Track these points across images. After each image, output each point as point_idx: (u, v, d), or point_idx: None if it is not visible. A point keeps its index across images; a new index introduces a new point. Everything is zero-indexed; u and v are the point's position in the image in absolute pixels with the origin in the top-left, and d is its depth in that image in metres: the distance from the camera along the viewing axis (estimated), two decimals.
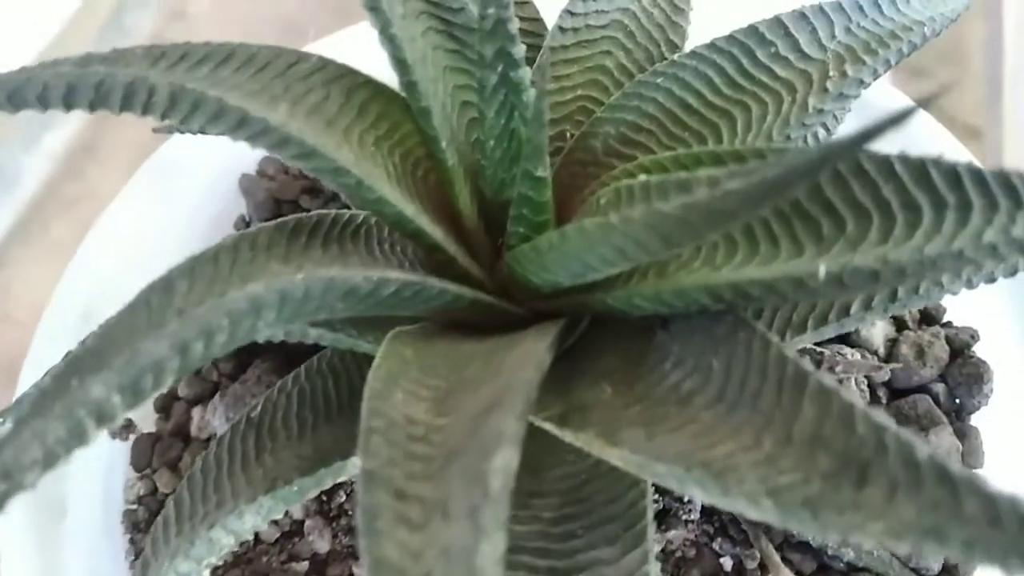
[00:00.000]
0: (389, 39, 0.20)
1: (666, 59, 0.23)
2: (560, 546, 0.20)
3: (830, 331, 0.20)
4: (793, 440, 0.15)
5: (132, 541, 0.28)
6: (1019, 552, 0.13)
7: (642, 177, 0.17)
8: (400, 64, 0.20)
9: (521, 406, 0.16)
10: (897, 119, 0.12)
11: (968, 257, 0.16)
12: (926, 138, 0.29)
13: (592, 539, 0.20)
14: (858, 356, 0.25)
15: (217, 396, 0.28)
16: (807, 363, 0.16)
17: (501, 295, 0.22)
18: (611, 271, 0.17)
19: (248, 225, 0.33)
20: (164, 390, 0.17)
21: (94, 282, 0.30)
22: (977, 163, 0.18)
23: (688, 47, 0.23)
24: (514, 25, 0.19)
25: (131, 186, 0.33)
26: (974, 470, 0.26)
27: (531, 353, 0.18)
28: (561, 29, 0.24)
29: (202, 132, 0.20)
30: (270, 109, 0.19)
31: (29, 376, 0.28)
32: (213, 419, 0.28)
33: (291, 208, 0.33)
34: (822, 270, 0.16)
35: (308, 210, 0.32)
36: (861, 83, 0.20)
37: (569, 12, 0.24)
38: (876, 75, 0.21)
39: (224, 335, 0.17)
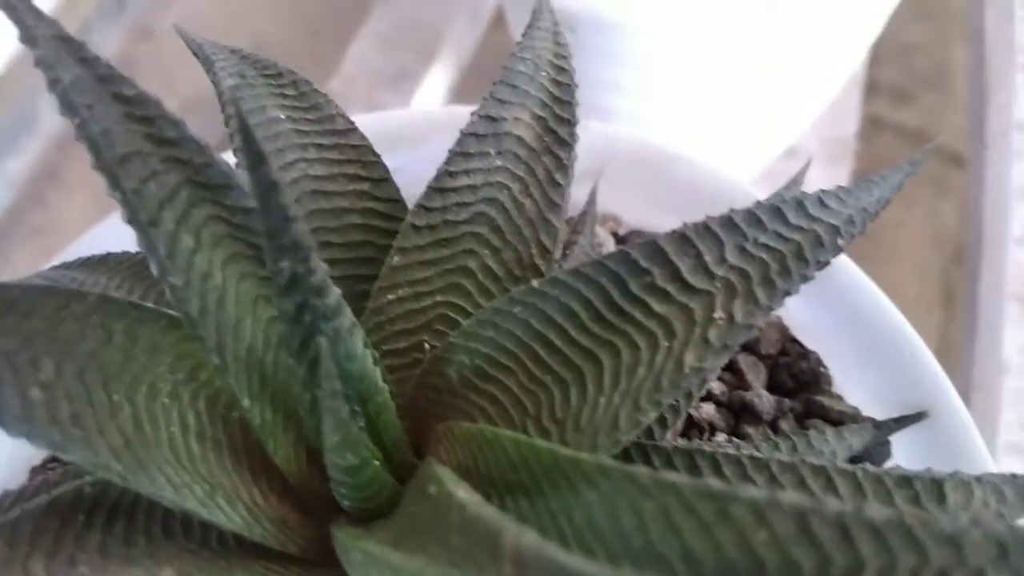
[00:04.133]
0: (170, 289, 0.16)
1: (535, 263, 0.20)
2: None
3: None
4: None
5: None
6: None
7: (460, 494, 0.14)
8: (186, 317, 0.16)
9: None
10: None
11: None
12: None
13: None
14: None
15: None
16: None
17: (329, 559, 0.18)
18: None
19: None
20: None
21: None
22: None
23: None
24: (319, 274, 0.15)
25: None
26: None
27: None
28: (415, 227, 0.20)
29: None
30: (25, 380, 0.16)
31: None
32: None
33: None
34: None
35: None
36: (751, 328, 0.17)
37: (423, 207, 0.20)
38: (771, 311, 0.17)
39: None
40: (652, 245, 0.17)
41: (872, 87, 0.73)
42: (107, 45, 0.87)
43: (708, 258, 0.17)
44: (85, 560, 0.16)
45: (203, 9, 0.93)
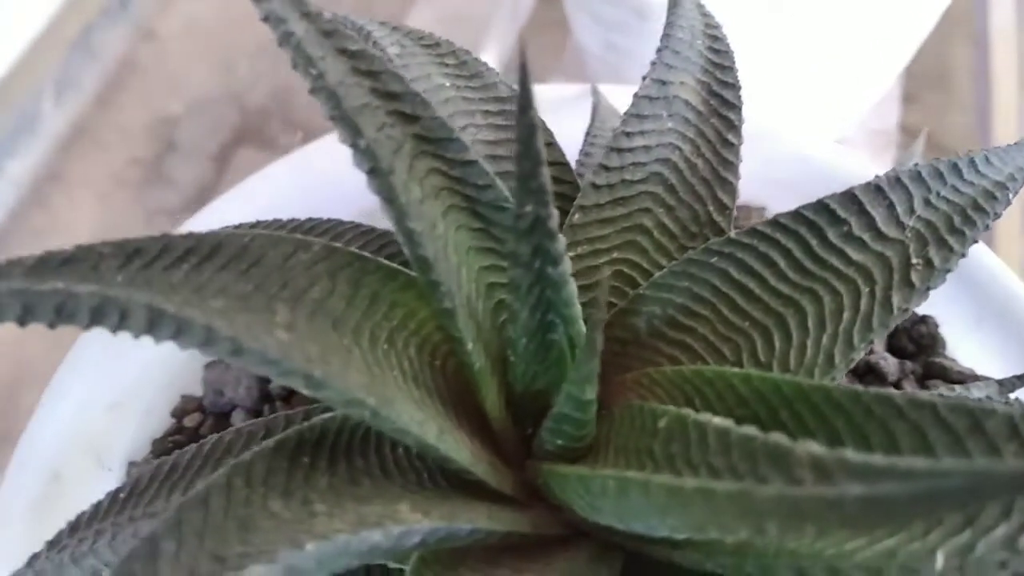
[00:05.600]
0: (407, 234, 0.17)
1: (714, 219, 0.20)
2: None
3: None
4: None
5: None
6: None
7: (716, 421, 0.15)
8: (420, 262, 0.17)
9: None
10: None
11: None
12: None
13: None
14: None
15: None
16: None
17: (531, 499, 0.19)
18: (673, 537, 0.15)
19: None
20: None
21: (60, 435, 0.27)
22: None
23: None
24: (555, 220, 0.16)
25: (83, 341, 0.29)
26: None
27: None
28: (594, 186, 0.21)
29: None
30: (266, 322, 0.16)
31: None
32: None
33: None
34: (940, 560, 0.13)
35: None
36: (949, 272, 0.18)
37: (603, 166, 0.21)
38: (963, 255, 0.18)
39: None
40: (849, 195, 0.18)
41: None
42: (110, 46, 0.86)
43: (899, 209, 0.18)
44: (317, 499, 0.17)
45: (207, 11, 0.93)
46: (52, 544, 0.21)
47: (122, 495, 0.21)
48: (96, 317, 0.15)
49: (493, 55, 0.61)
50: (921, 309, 0.28)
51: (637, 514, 0.15)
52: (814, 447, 0.13)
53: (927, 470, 0.11)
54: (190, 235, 0.17)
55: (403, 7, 0.66)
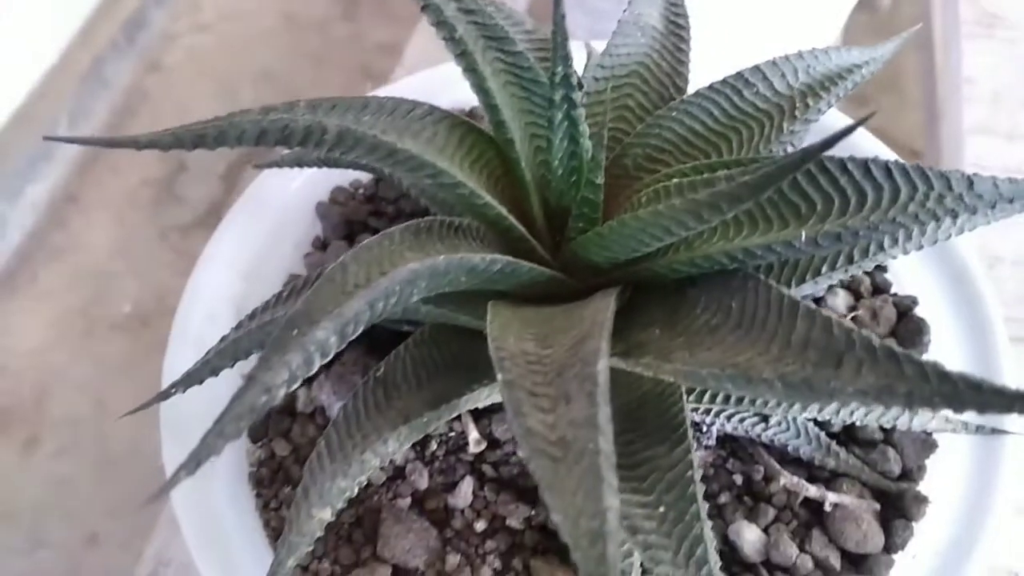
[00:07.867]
0: (484, 91, 0.27)
1: (674, 98, 0.31)
2: (624, 449, 0.27)
3: (807, 288, 0.28)
4: (791, 344, 0.23)
5: (258, 495, 0.34)
6: (943, 396, 0.20)
7: (674, 180, 0.25)
8: (491, 108, 0.28)
9: (607, 334, 0.23)
10: (845, 132, 0.20)
11: (898, 222, 0.24)
12: (868, 150, 0.38)
13: (647, 443, 0.27)
14: None
15: (322, 376, 0.35)
16: (796, 295, 0.24)
17: (565, 269, 0.30)
18: (656, 246, 0.25)
19: (324, 244, 0.41)
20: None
21: (212, 291, 0.37)
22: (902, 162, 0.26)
23: (691, 88, 0.31)
24: (575, 77, 0.27)
25: (230, 215, 0.40)
26: None
27: (602, 306, 0.25)
28: (595, 79, 0.32)
29: (319, 164, 0.28)
30: (401, 142, 0.27)
31: (172, 367, 0.35)
32: (321, 394, 0.35)
33: (360, 228, 0.40)
34: (803, 235, 0.24)
35: (376, 229, 0.40)
36: (820, 111, 0.28)
37: (600, 66, 0.32)
38: (830, 105, 0.29)
39: (395, 298, 0.24)
40: (756, 68, 0.29)
41: None
42: (119, 77, 0.94)
43: (789, 77, 0.29)
44: (436, 252, 0.27)
45: (209, 43, 1.02)
46: (238, 327, 0.31)
47: (284, 293, 0.31)
48: (306, 136, 0.26)
49: None
50: None
51: (631, 237, 0.25)
52: (726, 172, 0.24)
53: (768, 169, 0.22)
54: (351, 97, 0.28)
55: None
